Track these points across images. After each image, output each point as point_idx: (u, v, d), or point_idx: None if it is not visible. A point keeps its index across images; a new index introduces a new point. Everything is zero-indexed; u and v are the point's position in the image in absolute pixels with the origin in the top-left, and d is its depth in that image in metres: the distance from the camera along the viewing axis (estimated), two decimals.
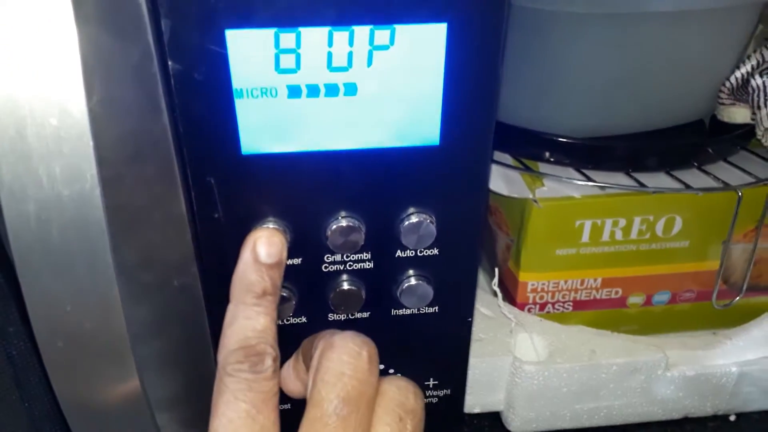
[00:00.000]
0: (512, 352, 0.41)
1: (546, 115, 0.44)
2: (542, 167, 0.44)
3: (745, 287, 0.46)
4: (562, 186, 0.42)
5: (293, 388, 0.27)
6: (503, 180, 0.43)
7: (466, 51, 0.23)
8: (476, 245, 0.28)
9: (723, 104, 0.46)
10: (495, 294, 0.44)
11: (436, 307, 0.28)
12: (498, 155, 0.45)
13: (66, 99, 0.20)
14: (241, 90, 0.23)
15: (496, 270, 0.45)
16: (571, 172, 0.44)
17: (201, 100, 0.22)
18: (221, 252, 0.26)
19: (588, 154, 0.44)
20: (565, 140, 0.44)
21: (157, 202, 0.24)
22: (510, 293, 0.46)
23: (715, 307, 0.46)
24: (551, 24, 0.40)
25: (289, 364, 0.27)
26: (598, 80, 0.43)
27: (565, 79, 0.42)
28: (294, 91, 0.23)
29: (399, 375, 0.27)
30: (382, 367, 0.30)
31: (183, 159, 0.24)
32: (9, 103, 0.20)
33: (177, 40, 0.21)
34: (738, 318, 0.46)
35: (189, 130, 0.23)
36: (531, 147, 0.45)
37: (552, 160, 0.44)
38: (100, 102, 0.21)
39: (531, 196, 0.42)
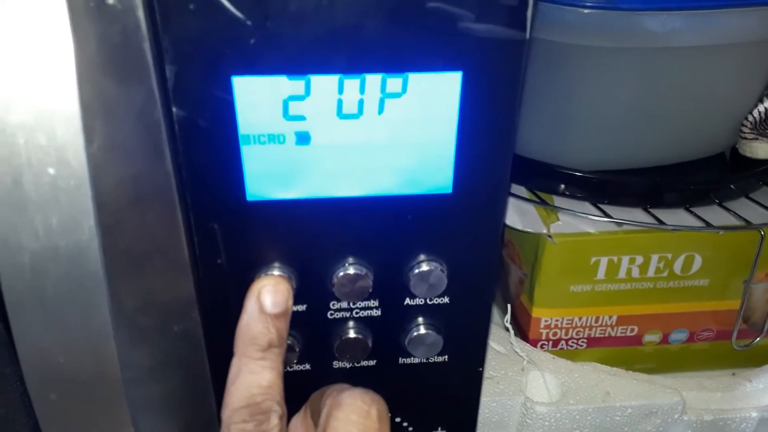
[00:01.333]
0: (524, 391, 0.40)
1: (562, 148, 0.43)
2: (557, 201, 0.43)
3: (766, 328, 0.44)
4: (578, 221, 0.41)
5: None
6: (517, 213, 0.42)
7: (481, 98, 0.22)
8: (489, 294, 0.27)
9: (745, 138, 0.45)
10: (507, 329, 0.43)
11: (446, 356, 0.27)
12: (513, 187, 0.44)
13: (65, 148, 0.19)
14: (248, 136, 0.22)
15: (509, 306, 0.44)
16: (587, 206, 0.43)
17: (206, 146, 0.22)
18: (224, 298, 0.25)
19: (605, 189, 0.43)
20: (581, 174, 0.43)
21: (159, 247, 0.23)
22: (522, 328, 0.44)
23: (735, 347, 0.45)
24: (570, 57, 0.39)
25: (298, 419, 0.26)
26: (616, 114, 0.41)
27: (582, 113, 0.41)
28: (302, 138, 0.22)
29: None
30: (389, 416, 0.29)
31: (186, 204, 0.23)
32: (6, 151, 0.19)
33: (182, 87, 0.20)
34: (758, 359, 0.45)
35: (193, 175, 0.22)
36: (546, 180, 0.44)
37: (567, 193, 0.43)
38: (102, 147, 0.21)
39: (546, 231, 0.41)
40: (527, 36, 0.20)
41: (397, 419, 0.29)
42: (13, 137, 0.19)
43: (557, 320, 0.43)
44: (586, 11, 0.37)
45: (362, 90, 0.21)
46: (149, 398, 0.26)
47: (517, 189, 0.44)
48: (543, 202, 0.43)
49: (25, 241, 0.20)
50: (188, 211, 0.23)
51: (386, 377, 0.28)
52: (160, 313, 0.25)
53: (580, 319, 0.43)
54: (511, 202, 0.43)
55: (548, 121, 0.42)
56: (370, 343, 0.26)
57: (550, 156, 0.43)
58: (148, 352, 0.25)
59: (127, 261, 0.23)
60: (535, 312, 0.43)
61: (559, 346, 0.44)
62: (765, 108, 0.45)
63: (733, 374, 0.44)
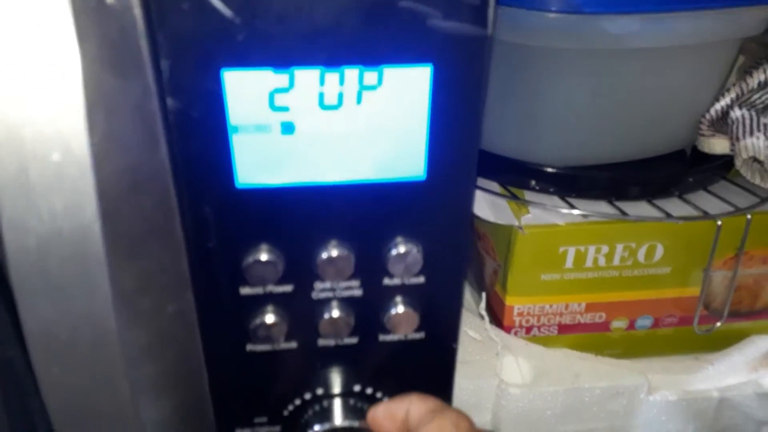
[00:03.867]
0: (498, 374, 0.42)
1: (530, 145, 0.45)
2: (528, 195, 0.46)
3: (726, 313, 0.47)
4: (547, 214, 0.44)
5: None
6: (490, 207, 0.44)
7: (450, 90, 0.24)
8: (461, 274, 0.29)
9: (704, 135, 0.47)
10: (482, 317, 0.45)
11: (423, 333, 0.29)
12: (485, 183, 0.47)
13: (68, 136, 0.21)
14: (237, 126, 0.24)
15: (483, 294, 0.46)
16: (555, 200, 0.45)
17: (198, 135, 0.23)
18: (214, 278, 0.27)
19: (571, 183, 0.45)
20: (548, 170, 0.45)
21: (155, 231, 0.25)
22: (497, 316, 0.47)
23: (697, 332, 0.47)
24: (536, 59, 0.41)
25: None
26: (580, 112, 0.44)
27: (549, 112, 0.44)
28: (287, 128, 0.24)
29: None
30: (369, 391, 0.31)
31: (180, 191, 0.25)
32: (12, 139, 0.21)
33: (175, 80, 0.22)
34: (719, 343, 0.47)
35: (186, 164, 0.24)
36: (516, 176, 0.46)
37: (537, 188, 0.46)
38: (102, 138, 0.22)
39: (517, 224, 0.43)
40: (489, 32, 0.23)
41: (378, 394, 0.31)
42: (20, 129, 0.20)
43: (529, 308, 0.45)
44: (550, 15, 0.39)
45: (341, 82, 0.23)
46: (144, 377, 0.28)
47: (490, 185, 0.46)
48: (514, 197, 0.45)
49: (31, 224, 0.21)
50: (182, 198, 0.25)
51: (367, 354, 0.30)
52: (156, 294, 0.26)
53: (550, 306, 0.45)
54: (485, 197, 0.45)
55: (517, 120, 0.45)
56: (352, 322, 0.28)
57: (519, 153, 0.46)
58: (143, 332, 0.27)
59: (125, 245, 0.25)
60: (509, 300, 0.45)
61: (532, 333, 0.46)
62: (722, 106, 0.47)
63: (696, 358, 0.47)
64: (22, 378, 0.28)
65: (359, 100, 0.24)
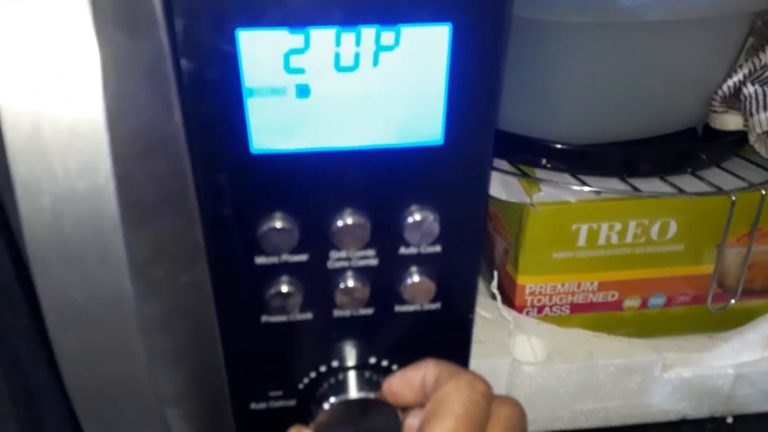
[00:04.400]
0: (511, 353, 0.41)
1: (542, 122, 0.45)
2: (539, 173, 0.45)
3: (740, 291, 0.46)
4: (559, 191, 0.43)
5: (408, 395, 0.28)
6: (501, 185, 0.44)
7: (469, 52, 0.24)
8: (478, 242, 0.28)
9: (716, 112, 0.47)
10: (494, 297, 0.44)
11: (439, 304, 0.29)
12: (496, 162, 0.46)
13: (82, 95, 0.20)
14: (252, 89, 0.23)
15: (495, 273, 0.45)
16: (567, 177, 0.45)
17: (212, 98, 0.23)
18: (229, 247, 0.26)
19: (583, 160, 0.45)
20: (560, 147, 0.45)
21: (168, 198, 0.25)
22: (509, 296, 0.46)
23: (711, 310, 0.47)
24: (546, 33, 0.41)
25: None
26: (592, 88, 0.44)
27: (560, 87, 0.43)
28: (302, 91, 0.24)
29: (505, 396, 0.28)
30: (385, 363, 0.30)
31: (195, 156, 0.24)
32: (25, 99, 0.20)
33: (189, 39, 0.22)
34: (733, 321, 0.47)
35: (200, 128, 0.24)
36: (528, 153, 0.46)
37: (548, 166, 0.45)
38: (114, 98, 0.22)
39: (528, 201, 0.42)
40: None
41: (394, 366, 0.30)
42: (33, 88, 0.20)
43: (541, 287, 0.45)
44: None
45: (358, 42, 0.23)
46: (157, 348, 0.27)
47: (501, 163, 0.46)
48: (525, 175, 0.45)
49: (45, 185, 0.21)
50: (196, 163, 0.24)
51: (383, 325, 0.29)
52: (170, 263, 0.26)
53: (562, 285, 0.45)
54: (496, 175, 0.45)
55: (529, 96, 0.44)
56: (368, 292, 0.28)
57: (531, 130, 0.45)
58: (157, 303, 0.27)
59: (138, 212, 0.24)
60: (520, 279, 0.45)
61: (544, 312, 0.46)
62: (734, 82, 0.47)
63: (710, 336, 0.47)
64: (31, 357, 0.28)
65: (376, 62, 0.23)
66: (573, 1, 0.39)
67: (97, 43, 0.20)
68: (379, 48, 0.23)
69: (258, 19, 0.22)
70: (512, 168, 0.46)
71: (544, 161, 0.46)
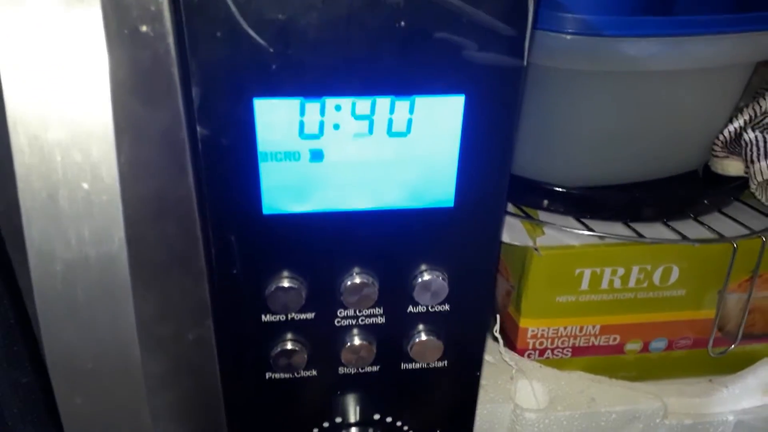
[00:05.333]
0: (513, 399, 0.41)
1: (546, 165, 0.45)
2: (542, 215, 0.45)
3: (740, 335, 0.46)
4: (562, 234, 0.43)
5: None
6: (505, 228, 0.44)
7: (482, 120, 0.24)
8: (487, 302, 0.28)
9: (717, 157, 0.47)
10: (496, 340, 0.44)
11: (445, 362, 0.29)
12: None
13: (99, 164, 0.20)
14: (266, 153, 0.23)
15: (497, 316, 0.45)
16: (570, 220, 0.45)
17: (227, 163, 0.23)
18: (237, 306, 0.26)
19: (587, 203, 0.45)
20: (564, 190, 0.45)
21: (177, 258, 0.25)
22: (510, 339, 0.46)
23: (711, 354, 0.47)
24: (553, 79, 0.41)
25: None
26: (596, 132, 0.44)
27: (563, 131, 0.44)
28: (316, 155, 0.24)
29: None
30: (389, 419, 0.30)
31: (205, 217, 0.24)
32: (44, 168, 0.20)
33: (207, 107, 0.22)
34: (733, 365, 0.47)
35: (214, 191, 0.24)
36: (532, 195, 0.46)
37: (552, 208, 0.45)
38: (129, 164, 0.22)
39: (532, 244, 0.42)
40: (524, 63, 0.22)
41: (399, 423, 0.30)
42: (51, 154, 0.20)
43: (543, 330, 0.45)
44: (568, 37, 0.39)
45: (373, 111, 0.23)
46: (160, 404, 0.27)
47: None
48: (529, 217, 0.45)
49: (58, 251, 0.21)
50: (207, 224, 0.24)
51: (389, 382, 0.29)
52: (176, 321, 0.26)
53: (565, 328, 0.45)
54: None
55: (533, 139, 0.45)
56: (374, 349, 0.28)
57: (535, 172, 0.45)
58: (162, 360, 0.27)
59: (147, 272, 0.24)
60: (523, 322, 0.44)
61: (546, 356, 0.46)
62: (735, 128, 0.47)
63: (710, 380, 0.47)
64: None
65: (390, 129, 0.23)
66: (580, 49, 0.40)
67: (112, 113, 0.20)
68: (394, 116, 0.23)
69: (276, 89, 0.22)
70: (515, 209, 0.46)
71: (547, 203, 0.46)
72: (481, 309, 0.28)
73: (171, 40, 0.21)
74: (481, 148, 0.24)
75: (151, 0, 0.20)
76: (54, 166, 0.20)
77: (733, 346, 0.47)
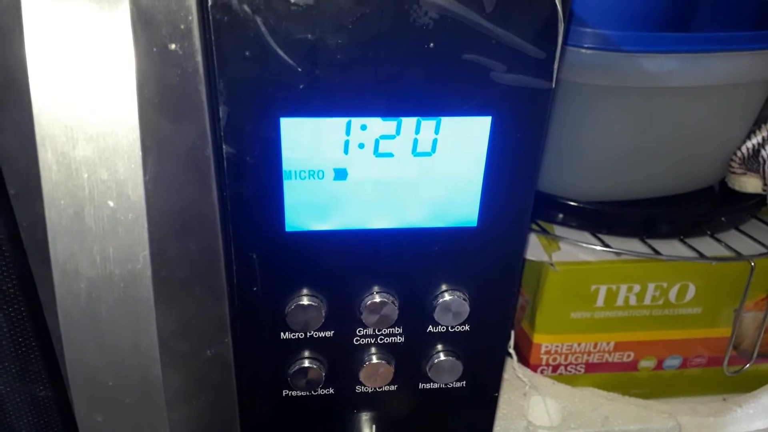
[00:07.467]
0: (526, 415, 0.41)
1: (563, 180, 0.45)
2: (558, 230, 0.45)
3: (755, 354, 0.46)
4: (578, 250, 0.43)
5: None
6: None
7: (508, 141, 0.24)
8: (507, 322, 0.28)
9: (734, 173, 0.47)
10: (509, 355, 0.44)
11: (464, 382, 0.29)
12: None
13: (125, 183, 0.20)
14: (290, 172, 0.23)
15: (512, 333, 0.45)
16: (586, 235, 0.44)
17: (251, 180, 0.23)
18: (256, 322, 0.26)
19: (603, 219, 0.45)
20: (581, 205, 0.45)
21: (198, 274, 0.25)
22: (523, 354, 0.46)
23: (726, 373, 0.46)
24: (571, 94, 0.41)
25: None
26: (612, 148, 0.43)
27: (582, 147, 0.43)
28: (340, 174, 0.24)
29: None
30: None
31: (227, 234, 0.24)
32: (70, 185, 0.20)
33: (233, 126, 0.22)
34: (747, 384, 0.47)
35: (237, 208, 0.23)
36: (548, 210, 0.45)
37: (568, 223, 0.45)
38: (153, 180, 0.22)
39: (548, 260, 0.42)
40: (553, 85, 0.22)
41: None
42: (78, 171, 0.20)
43: (557, 346, 0.45)
44: (586, 51, 0.39)
45: (398, 131, 0.23)
46: (177, 421, 0.27)
47: None
48: (545, 232, 0.44)
49: (82, 269, 0.21)
50: (229, 241, 0.24)
51: (406, 402, 0.29)
52: (195, 337, 0.26)
53: (579, 345, 0.45)
54: None
55: (550, 154, 0.44)
56: (392, 369, 0.28)
57: (551, 187, 0.45)
58: (180, 376, 0.26)
59: (168, 287, 0.24)
60: (536, 338, 0.44)
61: (559, 371, 0.45)
62: (753, 144, 0.47)
63: (724, 399, 0.46)
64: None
65: (415, 149, 0.23)
66: (599, 63, 0.39)
67: (139, 131, 0.20)
68: (419, 137, 0.23)
69: (302, 109, 0.22)
70: (532, 224, 0.46)
71: (563, 218, 0.46)
72: (501, 330, 0.28)
73: (199, 58, 0.21)
74: (507, 169, 0.24)
75: (181, 18, 0.20)
76: (81, 183, 0.20)
77: (748, 365, 0.46)
